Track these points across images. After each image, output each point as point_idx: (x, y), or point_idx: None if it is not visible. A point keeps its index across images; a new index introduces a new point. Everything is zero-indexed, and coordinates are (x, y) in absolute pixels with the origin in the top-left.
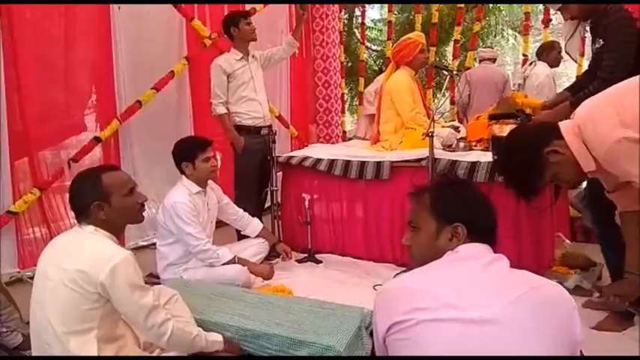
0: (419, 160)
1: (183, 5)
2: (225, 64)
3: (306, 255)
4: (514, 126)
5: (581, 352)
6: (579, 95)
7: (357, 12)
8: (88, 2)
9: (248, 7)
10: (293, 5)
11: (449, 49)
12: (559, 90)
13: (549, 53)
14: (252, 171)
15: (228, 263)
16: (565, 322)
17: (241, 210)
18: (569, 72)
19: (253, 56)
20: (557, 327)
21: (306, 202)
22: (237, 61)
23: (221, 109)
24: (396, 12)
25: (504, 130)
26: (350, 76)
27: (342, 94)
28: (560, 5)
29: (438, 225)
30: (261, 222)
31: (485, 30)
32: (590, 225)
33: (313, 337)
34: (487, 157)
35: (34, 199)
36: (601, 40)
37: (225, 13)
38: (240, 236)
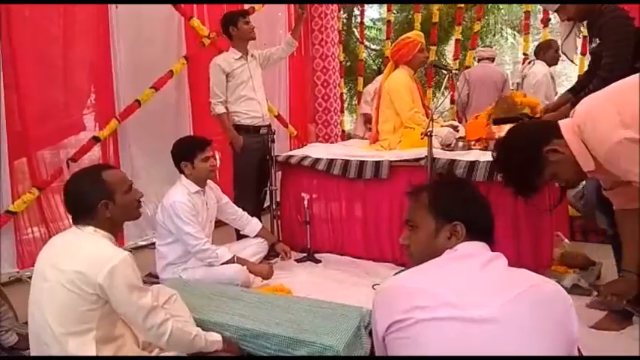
0: (418, 159)
1: (182, 4)
2: (224, 63)
3: (305, 254)
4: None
5: (579, 351)
6: (581, 96)
7: (356, 11)
8: (87, 2)
9: (247, 6)
10: (292, 5)
11: (448, 48)
12: (559, 89)
13: (546, 52)
14: (251, 170)
15: (227, 263)
16: (563, 320)
17: (240, 209)
18: (567, 71)
19: (252, 55)
20: (556, 325)
21: (305, 202)
22: (236, 60)
23: (220, 109)
24: (395, 11)
25: (503, 129)
26: (349, 76)
27: (341, 93)
28: (557, 6)
29: (437, 224)
30: (261, 221)
31: (485, 29)
32: (606, 227)
33: (312, 337)
34: (486, 156)
35: (32, 199)
36: (597, 40)
37: (224, 13)
38: (240, 236)
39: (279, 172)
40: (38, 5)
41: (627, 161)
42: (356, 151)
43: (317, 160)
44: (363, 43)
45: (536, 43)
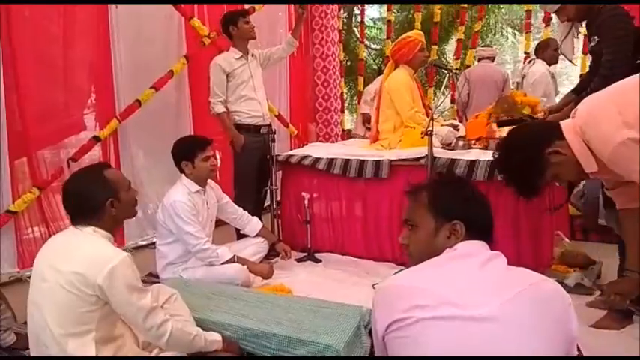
0: (418, 158)
1: (182, 4)
2: (225, 63)
3: (305, 254)
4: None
5: (579, 349)
6: (583, 96)
7: (357, 11)
8: (87, 2)
9: (247, 6)
10: (292, 4)
11: (448, 48)
12: (560, 88)
13: (545, 51)
14: (252, 170)
15: (227, 262)
16: (562, 318)
17: (241, 209)
18: (568, 70)
19: (253, 55)
20: (555, 323)
21: (306, 201)
22: (236, 60)
23: (220, 108)
24: (395, 11)
25: (504, 129)
26: (349, 75)
27: (342, 92)
28: (557, 7)
29: (437, 223)
30: (261, 221)
31: (485, 28)
32: (614, 225)
33: (312, 336)
34: (486, 155)
35: (33, 199)
36: (596, 38)
37: (224, 12)
38: (240, 235)
39: (280, 172)
40: (38, 5)
41: (631, 162)
42: (356, 150)
43: (317, 160)
44: (363, 42)
45: (537, 42)
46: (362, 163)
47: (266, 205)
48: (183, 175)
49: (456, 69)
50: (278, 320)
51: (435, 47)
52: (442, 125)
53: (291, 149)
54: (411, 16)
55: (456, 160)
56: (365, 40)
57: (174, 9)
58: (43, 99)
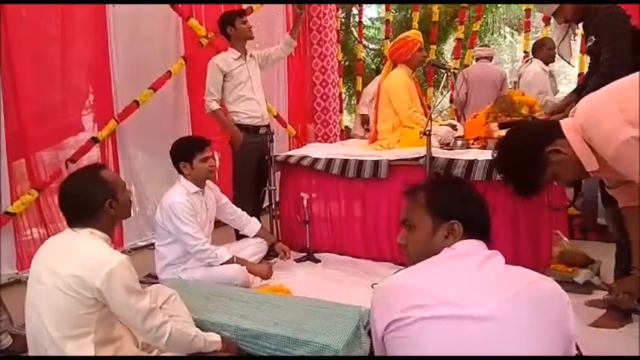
0: (416, 158)
1: (179, 5)
2: (223, 63)
3: (304, 254)
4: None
5: (578, 348)
6: (583, 95)
7: (355, 11)
8: (86, 2)
9: (245, 6)
10: (290, 4)
11: (447, 47)
12: (559, 87)
13: (540, 50)
14: (251, 170)
15: (226, 263)
16: (560, 317)
17: (239, 209)
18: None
19: (251, 55)
20: (553, 322)
21: (305, 202)
22: (234, 60)
23: (214, 105)
24: (393, 10)
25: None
26: (347, 75)
27: (340, 92)
28: (555, 10)
29: (434, 223)
30: (260, 221)
31: (483, 28)
32: (612, 224)
33: (312, 337)
34: (484, 155)
35: (31, 200)
36: (593, 38)
37: (222, 13)
38: (239, 236)
39: (278, 172)
40: (36, 5)
41: (633, 161)
42: (355, 150)
43: (316, 160)
44: (361, 42)
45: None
46: (360, 163)
47: (265, 205)
48: (181, 175)
49: (455, 69)
50: (277, 321)
51: (433, 47)
52: (440, 125)
53: (289, 149)
54: (409, 15)
55: (454, 159)
56: (363, 40)
57: (172, 9)
58: (40, 100)
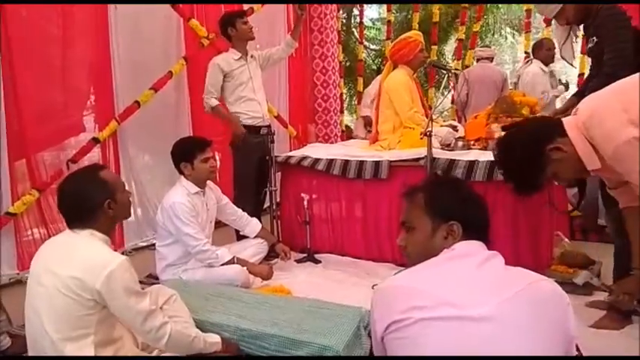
0: (417, 159)
1: (180, 5)
2: (224, 63)
3: (305, 255)
4: None
5: (578, 349)
6: (585, 96)
7: (356, 11)
8: (87, 2)
9: (246, 7)
10: (291, 5)
11: (447, 48)
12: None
13: (539, 51)
14: (251, 171)
15: (227, 264)
16: (560, 318)
17: (240, 210)
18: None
19: (252, 56)
20: (553, 323)
21: (305, 202)
22: (235, 60)
23: (213, 102)
24: (394, 11)
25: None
26: (348, 76)
27: (341, 93)
28: (556, 12)
29: (433, 224)
30: (260, 222)
31: (484, 28)
32: (611, 225)
33: (312, 337)
34: (485, 156)
35: (32, 201)
36: (594, 38)
37: (222, 14)
38: (239, 236)
39: (279, 173)
40: (36, 5)
41: (632, 161)
42: (355, 151)
43: (317, 161)
44: (362, 43)
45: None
46: (361, 164)
47: (265, 206)
48: (182, 176)
49: (456, 69)
50: (277, 321)
51: (434, 48)
52: (441, 126)
53: (290, 150)
54: (409, 16)
55: (455, 160)
56: (364, 40)
57: (173, 10)
58: (41, 100)
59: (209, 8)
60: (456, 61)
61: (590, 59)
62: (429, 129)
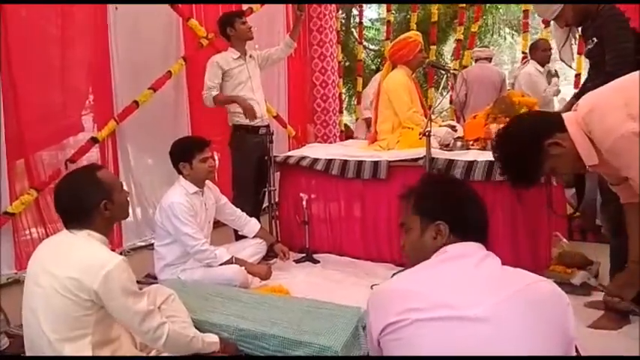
0: (416, 159)
1: (179, 5)
2: (222, 61)
3: (303, 255)
4: None
5: (577, 350)
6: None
7: (355, 11)
8: (86, 2)
9: (245, 7)
10: (290, 5)
11: (446, 48)
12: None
13: (535, 52)
14: (250, 171)
15: (225, 263)
16: (559, 319)
17: (239, 210)
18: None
19: (251, 56)
20: (551, 324)
21: (304, 202)
22: (234, 60)
23: (213, 92)
24: (393, 11)
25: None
26: (348, 76)
27: (340, 93)
28: (556, 14)
29: (422, 224)
30: (259, 222)
31: (483, 29)
32: (605, 225)
33: (310, 337)
34: (484, 156)
35: (31, 200)
36: (594, 39)
37: (221, 14)
38: (238, 236)
39: (278, 173)
40: (36, 5)
41: (629, 156)
42: (354, 151)
43: (315, 161)
44: (361, 43)
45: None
46: (360, 164)
47: (264, 206)
48: (181, 176)
49: (454, 69)
50: (276, 321)
51: (433, 48)
52: (440, 126)
53: (289, 150)
54: (408, 16)
55: (453, 160)
56: (363, 40)
57: (172, 9)
58: (40, 100)
59: (208, 8)
60: (454, 62)
61: (587, 60)
62: (428, 129)
